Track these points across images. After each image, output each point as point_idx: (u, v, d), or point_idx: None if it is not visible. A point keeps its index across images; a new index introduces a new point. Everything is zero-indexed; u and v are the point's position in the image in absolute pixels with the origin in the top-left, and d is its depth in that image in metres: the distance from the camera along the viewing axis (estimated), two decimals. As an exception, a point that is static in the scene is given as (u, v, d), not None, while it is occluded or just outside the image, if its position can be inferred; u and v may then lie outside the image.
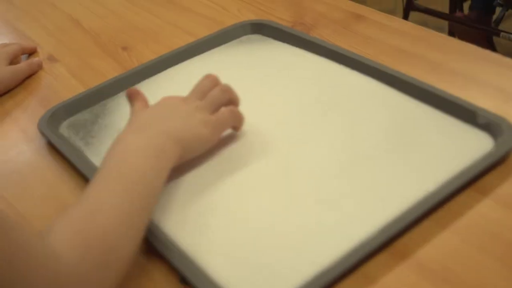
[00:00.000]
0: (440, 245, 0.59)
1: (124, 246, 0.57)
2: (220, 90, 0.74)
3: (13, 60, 0.98)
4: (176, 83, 0.88)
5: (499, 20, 2.28)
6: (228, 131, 0.75)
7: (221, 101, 0.74)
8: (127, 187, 0.60)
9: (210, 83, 0.75)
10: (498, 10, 2.31)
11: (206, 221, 0.65)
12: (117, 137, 0.67)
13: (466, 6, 2.42)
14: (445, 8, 2.37)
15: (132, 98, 0.75)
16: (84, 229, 0.55)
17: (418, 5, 2.30)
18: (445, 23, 2.35)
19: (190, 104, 0.72)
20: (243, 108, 0.75)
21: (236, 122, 0.74)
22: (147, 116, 0.70)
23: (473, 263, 0.57)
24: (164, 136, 0.66)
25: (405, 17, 2.27)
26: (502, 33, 2.14)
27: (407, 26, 0.94)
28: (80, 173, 0.74)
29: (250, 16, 1.02)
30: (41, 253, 0.52)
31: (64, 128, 0.82)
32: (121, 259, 0.56)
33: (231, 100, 0.74)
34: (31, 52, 1.03)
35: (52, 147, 0.80)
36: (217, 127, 0.72)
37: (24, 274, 0.49)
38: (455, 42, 0.88)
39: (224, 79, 0.86)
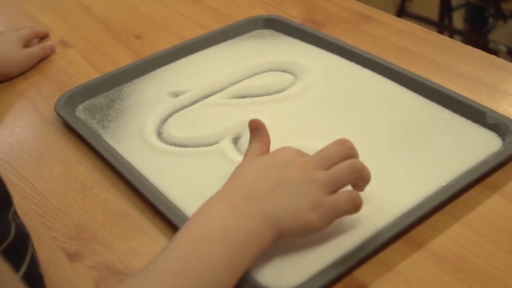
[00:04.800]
0: (453, 236, 0.62)
1: None
2: (349, 168, 0.59)
3: (26, 44, 0.99)
4: (190, 73, 0.89)
5: (488, 31, 2.32)
6: None
7: (345, 182, 0.59)
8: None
9: (342, 152, 0.61)
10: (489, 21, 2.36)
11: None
12: (211, 198, 0.59)
13: (456, 15, 2.46)
14: (434, 15, 2.42)
15: (254, 134, 0.66)
16: None
17: (410, 11, 2.34)
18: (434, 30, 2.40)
19: (308, 173, 0.59)
20: (254, 102, 0.75)
21: (352, 211, 0.59)
22: (252, 180, 0.59)
23: (483, 253, 0.60)
24: (262, 218, 0.56)
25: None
26: (490, 43, 2.19)
27: (414, 28, 0.97)
28: (98, 154, 0.75)
29: (260, 11, 1.04)
30: None
31: (80, 111, 0.83)
32: None
33: (357, 180, 0.60)
34: (44, 36, 1.04)
35: (69, 129, 0.81)
36: (328, 214, 0.58)
37: None
38: (461, 46, 0.91)
39: (236, 70, 0.88)
